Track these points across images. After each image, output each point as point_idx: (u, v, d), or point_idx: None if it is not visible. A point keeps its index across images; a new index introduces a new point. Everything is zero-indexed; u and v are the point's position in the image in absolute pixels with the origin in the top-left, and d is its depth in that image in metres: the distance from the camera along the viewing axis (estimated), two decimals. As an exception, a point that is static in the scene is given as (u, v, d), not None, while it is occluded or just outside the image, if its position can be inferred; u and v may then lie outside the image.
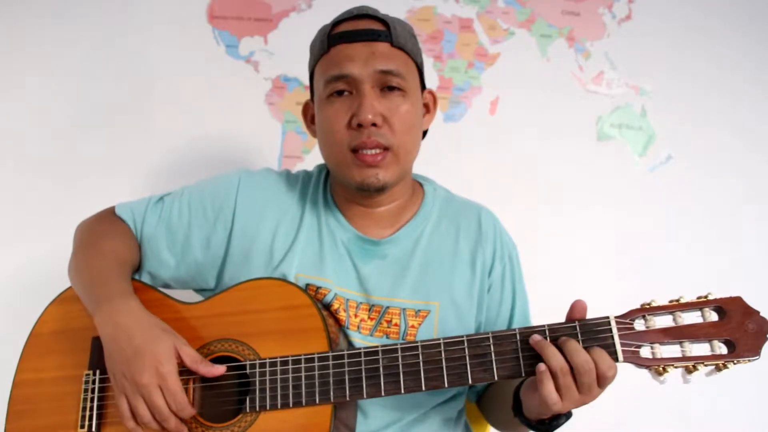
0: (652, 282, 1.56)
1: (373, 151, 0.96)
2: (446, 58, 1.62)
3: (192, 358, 0.87)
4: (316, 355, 0.88)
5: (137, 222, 1.07)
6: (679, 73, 1.64)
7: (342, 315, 0.98)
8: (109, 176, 1.55)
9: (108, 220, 1.08)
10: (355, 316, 1.00)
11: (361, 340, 0.98)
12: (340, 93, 0.98)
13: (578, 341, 0.81)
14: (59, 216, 1.49)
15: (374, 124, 0.95)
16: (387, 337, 0.99)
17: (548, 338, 0.83)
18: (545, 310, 1.00)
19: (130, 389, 0.84)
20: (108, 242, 1.03)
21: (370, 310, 1.00)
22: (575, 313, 0.85)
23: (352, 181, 0.99)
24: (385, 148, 0.96)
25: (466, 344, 0.85)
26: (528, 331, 0.84)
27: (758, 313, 0.80)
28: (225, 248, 1.05)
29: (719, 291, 0.83)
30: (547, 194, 1.60)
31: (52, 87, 1.56)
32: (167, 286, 1.08)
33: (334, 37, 0.99)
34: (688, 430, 1.55)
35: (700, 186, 1.62)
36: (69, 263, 1.04)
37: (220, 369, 0.87)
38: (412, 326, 0.99)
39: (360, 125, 0.95)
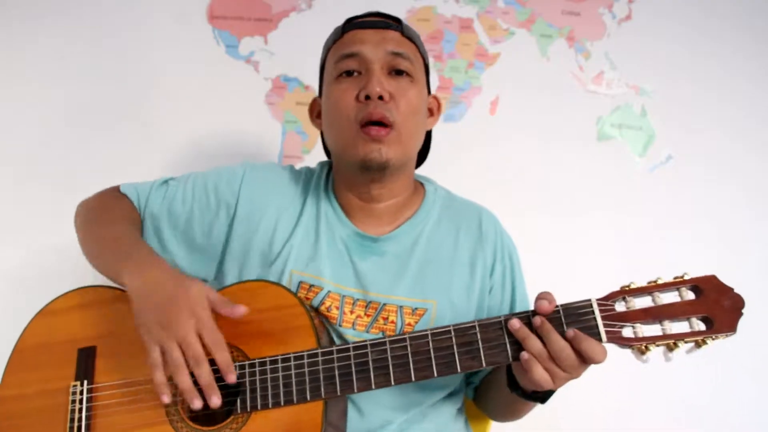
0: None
1: (379, 125, 0.97)
2: (446, 58, 1.62)
3: (220, 301, 0.87)
4: (305, 353, 0.88)
5: (141, 200, 1.08)
6: (679, 73, 1.64)
7: (334, 312, 0.98)
8: (109, 176, 1.52)
9: (112, 196, 1.09)
10: (351, 312, 0.99)
11: (355, 336, 0.98)
12: (349, 74, 1.01)
13: (562, 324, 0.82)
14: (59, 216, 1.50)
15: (381, 98, 0.97)
16: (383, 334, 0.98)
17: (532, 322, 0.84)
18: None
19: (165, 335, 0.83)
20: (118, 211, 1.04)
21: (366, 306, 1.00)
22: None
23: (356, 156, 0.99)
24: (390, 125, 0.98)
25: (453, 333, 0.86)
26: (512, 317, 0.85)
27: (732, 289, 0.81)
28: (225, 237, 1.05)
29: (719, 291, 0.83)
30: (547, 194, 1.59)
31: (52, 87, 1.56)
32: None
33: (348, 26, 1.04)
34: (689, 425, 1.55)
35: (700, 186, 1.61)
36: (78, 238, 1.04)
37: (240, 309, 0.86)
38: (409, 324, 0.99)
39: (368, 97, 0.97)
